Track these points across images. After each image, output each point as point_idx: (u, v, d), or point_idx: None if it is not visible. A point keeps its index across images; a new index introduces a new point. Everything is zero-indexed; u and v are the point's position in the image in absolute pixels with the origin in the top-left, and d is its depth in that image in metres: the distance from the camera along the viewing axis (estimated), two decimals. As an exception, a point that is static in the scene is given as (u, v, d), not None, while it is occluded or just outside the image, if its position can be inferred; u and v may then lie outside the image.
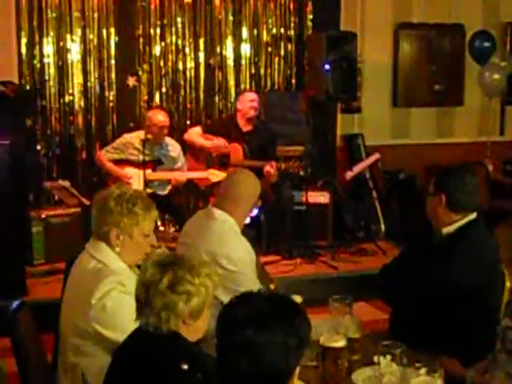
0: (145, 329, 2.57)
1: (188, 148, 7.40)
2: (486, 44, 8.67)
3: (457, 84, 9.03)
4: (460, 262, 3.46)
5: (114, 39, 7.92)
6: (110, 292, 2.99)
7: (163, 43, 8.11)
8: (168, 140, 7.20)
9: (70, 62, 7.79)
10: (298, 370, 2.15)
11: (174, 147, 7.24)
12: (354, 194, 8.19)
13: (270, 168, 6.90)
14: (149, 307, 2.56)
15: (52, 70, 7.75)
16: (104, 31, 7.87)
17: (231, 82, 8.42)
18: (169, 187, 7.14)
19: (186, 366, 2.44)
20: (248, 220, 4.10)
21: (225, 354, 2.13)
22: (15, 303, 3.27)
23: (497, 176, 8.76)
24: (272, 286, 4.09)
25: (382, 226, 8.09)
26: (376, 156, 7.99)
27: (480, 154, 8.80)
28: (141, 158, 6.86)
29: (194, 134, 7.36)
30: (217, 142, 7.24)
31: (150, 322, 2.55)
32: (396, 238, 7.64)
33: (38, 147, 7.75)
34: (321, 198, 7.62)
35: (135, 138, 7.10)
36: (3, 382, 4.26)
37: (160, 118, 7.02)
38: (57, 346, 3.43)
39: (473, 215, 3.61)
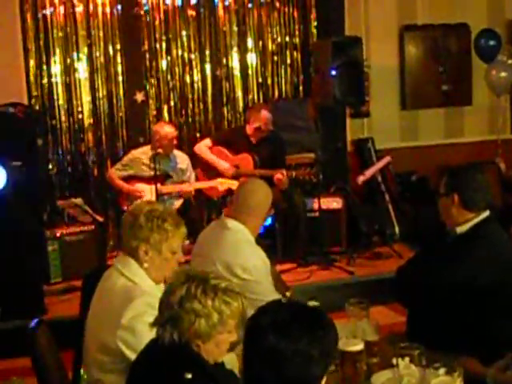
0: (155, 340, 2.57)
1: (198, 161, 7.42)
2: (492, 42, 8.64)
3: (464, 83, 9.00)
4: (476, 260, 3.46)
5: (120, 56, 7.97)
6: (143, 316, 2.94)
7: (169, 57, 8.15)
8: (176, 152, 7.27)
9: (77, 80, 7.86)
10: (324, 379, 2.14)
11: (182, 159, 7.30)
12: (367, 199, 8.18)
13: (280, 176, 6.92)
14: (160, 316, 2.57)
15: (60, 89, 7.81)
16: (110, 48, 7.92)
17: (239, 93, 8.45)
18: (180, 201, 7.16)
19: (189, 376, 2.41)
20: (262, 229, 4.10)
21: (248, 360, 2.15)
22: (33, 322, 3.28)
23: (509, 174, 8.73)
24: (288, 294, 4.09)
25: (397, 229, 8.06)
26: (387, 159, 7.99)
27: (491, 152, 8.76)
28: (150, 173, 6.90)
29: (204, 148, 7.37)
30: (226, 168, 7.24)
31: (158, 332, 2.56)
32: (411, 241, 7.61)
33: (50, 166, 7.80)
34: (334, 203, 7.62)
35: (142, 153, 7.16)
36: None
37: (168, 129, 7.10)
38: (77, 363, 3.44)
39: (486, 213, 3.60)
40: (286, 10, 8.50)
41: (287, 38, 8.54)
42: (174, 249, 3.19)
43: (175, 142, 7.17)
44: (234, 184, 6.79)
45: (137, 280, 3.15)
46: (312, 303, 3.26)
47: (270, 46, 8.51)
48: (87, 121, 7.94)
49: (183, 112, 8.28)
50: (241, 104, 8.45)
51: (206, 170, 7.34)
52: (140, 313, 2.97)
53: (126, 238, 3.21)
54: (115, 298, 3.11)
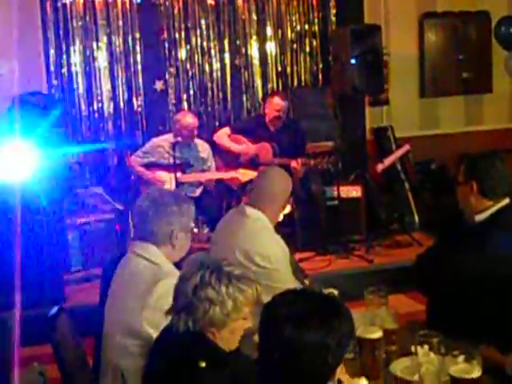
0: (169, 327, 2.58)
1: (217, 149, 7.43)
2: (512, 29, 8.60)
3: (485, 71, 8.94)
4: (495, 248, 3.44)
5: (139, 45, 7.98)
6: (169, 296, 2.87)
7: (188, 46, 8.15)
8: (197, 141, 7.27)
9: (97, 69, 7.88)
10: (339, 368, 2.15)
11: (203, 148, 7.30)
12: (387, 187, 8.17)
13: (295, 164, 6.92)
14: (174, 304, 2.58)
15: (80, 78, 7.83)
16: (129, 37, 7.93)
17: (258, 81, 8.44)
18: (200, 189, 7.18)
19: (203, 364, 2.42)
20: (281, 218, 4.10)
21: (265, 351, 2.15)
22: (54, 310, 3.31)
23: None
24: (307, 282, 4.09)
25: (416, 218, 8.04)
26: (406, 147, 7.95)
27: (512, 140, 8.72)
28: (171, 160, 6.90)
29: (223, 136, 7.38)
30: (244, 148, 7.26)
31: (172, 320, 2.57)
32: (430, 229, 7.59)
33: (70, 155, 7.83)
34: (353, 192, 7.60)
35: (164, 141, 7.17)
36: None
37: (189, 119, 7.09)
38: (97, 350, 3.46)
39: (505, 200, 3.58)
40: (305, -3, 8.49)
41: (306, 26, 8.52)
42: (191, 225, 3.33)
43: (196, 132, 7.18)
44: (255, 175, 6.80)
45: (159, 261, 3.20)
46: (328, 291, 3.27)
47: (289, 35, 8.49)
48: (107, 110, 7.96)
49: (202, 101, 8.28)
50: (260, 93, 8.44)
51: (225, 159, 7.35)
52: (166, 293, 2.95)
53: (154, 226, 3.23)
54: (140, 280, 3.14)
